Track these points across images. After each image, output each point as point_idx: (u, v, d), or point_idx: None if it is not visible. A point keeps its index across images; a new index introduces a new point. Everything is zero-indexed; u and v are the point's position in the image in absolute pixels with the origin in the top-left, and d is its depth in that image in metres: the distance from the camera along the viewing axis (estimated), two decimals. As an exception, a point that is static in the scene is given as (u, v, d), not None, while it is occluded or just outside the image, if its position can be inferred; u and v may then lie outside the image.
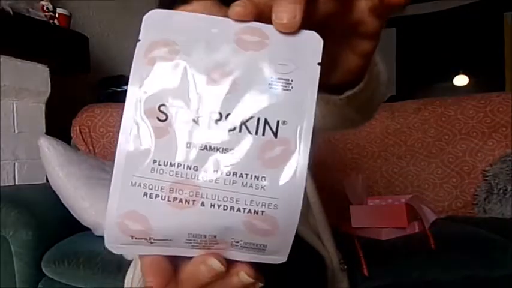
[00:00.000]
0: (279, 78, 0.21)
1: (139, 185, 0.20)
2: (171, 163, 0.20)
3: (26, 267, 1.15)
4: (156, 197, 0.20)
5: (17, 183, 1.47)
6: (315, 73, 0.21)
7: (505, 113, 1.43)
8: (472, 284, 0.99)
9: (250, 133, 0.20)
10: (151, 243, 0.21)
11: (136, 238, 0.21)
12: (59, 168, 1.21)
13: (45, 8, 1.55)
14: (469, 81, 4.56)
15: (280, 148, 0.20)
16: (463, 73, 4.56)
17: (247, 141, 0.20)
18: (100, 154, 1.62)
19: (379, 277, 0.97)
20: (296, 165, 0.20)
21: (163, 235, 0.21)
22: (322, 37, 0.21)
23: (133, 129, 0.21)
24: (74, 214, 1.23)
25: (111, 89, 1.96)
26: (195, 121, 0.21)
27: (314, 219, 0.68)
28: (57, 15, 1.62)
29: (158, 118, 0.21)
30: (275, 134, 0.20)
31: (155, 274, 0.22)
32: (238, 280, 0.22)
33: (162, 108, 0.21)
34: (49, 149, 1.22)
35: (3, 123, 1.42)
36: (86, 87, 1.95)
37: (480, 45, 4.27)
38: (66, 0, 1.80)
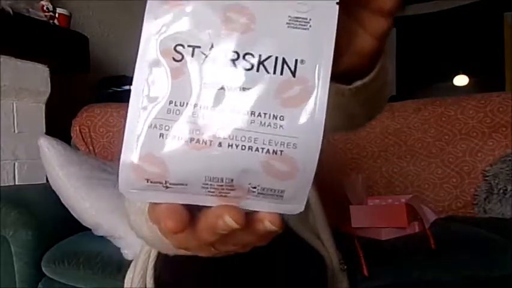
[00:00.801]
0: (296, 17, 0.20)
1: (155, 126, 0.20)
2: (187, 103, 0.20)
3: (26, 267, 1.15)
4: (172, 138, 0.20)
5: (17, 183, 1.47)
6: (333, 12, 0.21)
7: (505, 113, 1.43)
8: (472, 284, 0.99)
9: (268, 72, 0.20)
10: (167, 187, 0.20)
11: (151, 182, 0.20)
12: (59, 168, 1.21)
13: (45, 8, 1.55)
14: (469, 81, 4.56)
15: (298, 87, 0.20)
16: (463, 73, 4.56)
17: (265, 81, 0.20)
18: (100, 154, 1.62)
19: (379, 277, 0.97)
20: (315, 104, 0.20)
21: (179, 179, 0.20)
22: None
23: (149, 70, 0.20)
24: (74, 214, 1.23)
25: (111, 89, 1.96)
26: (212, 61, 0.20)
27: (314, 219, 0.68)
28: (57, 15, 1.62)
29: (174, 58, 0.20)
30: (293, 73, 0.20)
31: (171, 217, 0.21)
32: (263, 227, 0.21)
33: (178, 48, 0.20)
34: (49, 149, 1.22)
35: (3, 123, 1.42)
36: (86, 87, 1.95)
37: (480, 45, 4.27)
38: (66, 0, 1.80)
